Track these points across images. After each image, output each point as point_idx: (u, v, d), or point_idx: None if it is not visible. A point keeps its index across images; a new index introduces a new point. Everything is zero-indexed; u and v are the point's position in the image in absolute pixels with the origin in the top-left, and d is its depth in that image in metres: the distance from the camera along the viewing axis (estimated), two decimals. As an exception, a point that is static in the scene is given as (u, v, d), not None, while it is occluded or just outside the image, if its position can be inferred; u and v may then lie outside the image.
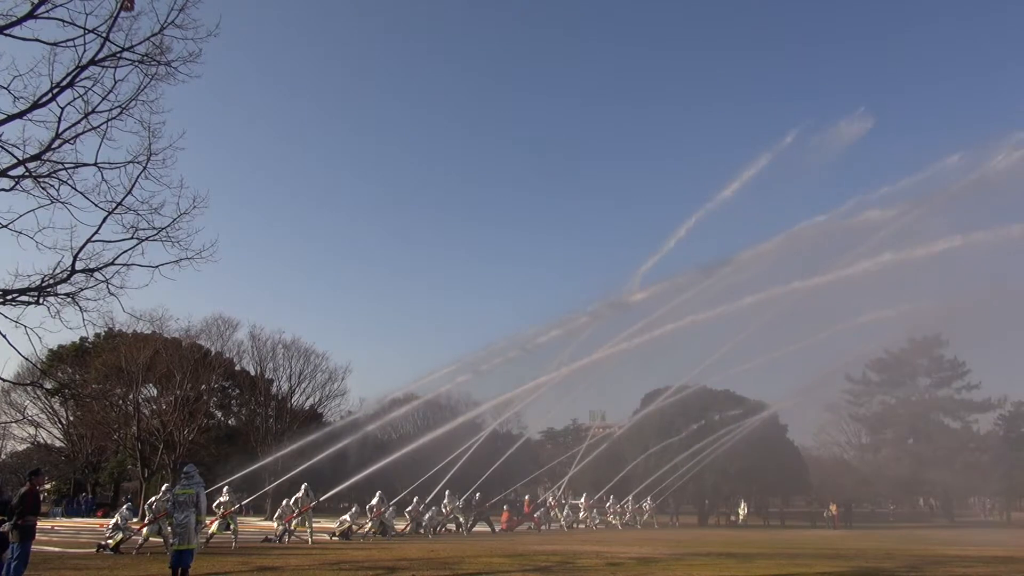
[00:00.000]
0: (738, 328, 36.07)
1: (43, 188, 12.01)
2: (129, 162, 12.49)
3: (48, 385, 51.36)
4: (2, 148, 11.61)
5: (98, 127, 12.25)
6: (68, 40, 11.51)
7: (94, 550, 20.02)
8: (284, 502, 26.38)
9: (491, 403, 38.45)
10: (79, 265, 12.34)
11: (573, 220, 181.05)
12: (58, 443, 58.13)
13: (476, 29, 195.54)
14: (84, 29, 11.50)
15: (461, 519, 33.83)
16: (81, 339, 55.17)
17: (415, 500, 31.41)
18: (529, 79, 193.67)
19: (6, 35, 11.20)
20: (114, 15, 11.61)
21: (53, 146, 11.89)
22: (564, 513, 41.14)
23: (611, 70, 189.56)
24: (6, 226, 11.76)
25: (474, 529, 34.42)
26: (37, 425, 56.89)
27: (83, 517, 46.42)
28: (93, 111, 12.10)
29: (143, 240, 12.81)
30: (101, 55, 11.82)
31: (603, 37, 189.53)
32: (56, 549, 20.40)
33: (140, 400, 49.13)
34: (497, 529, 36.23)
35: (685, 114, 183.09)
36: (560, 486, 45.81)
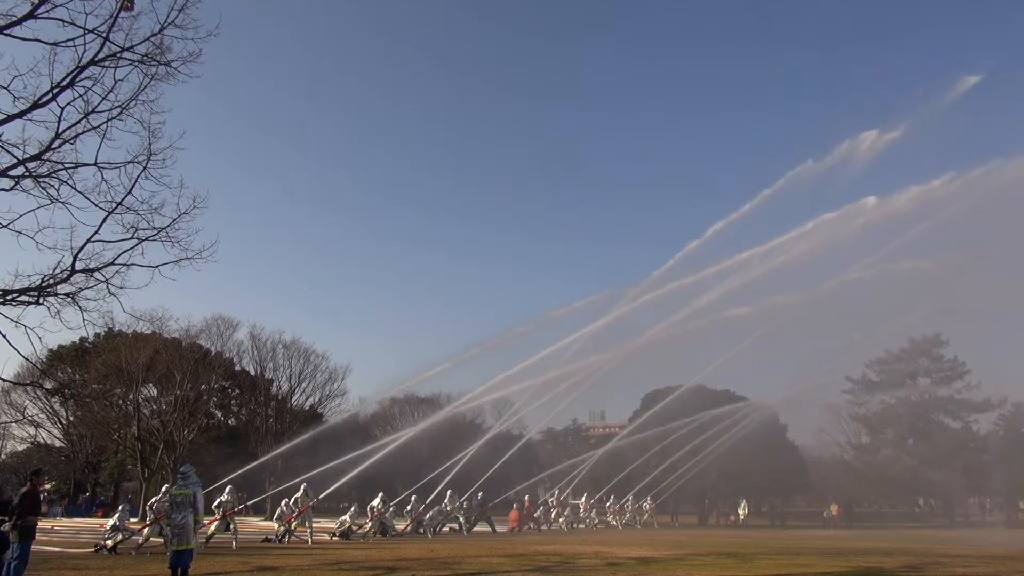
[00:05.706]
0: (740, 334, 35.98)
1: (43, 188, 11.99)
2: (129, 162, 12.48)
3: (48, 385, 51.32)
4: (2, 148, 11.59)
5: (98, 127, 12.23)
6: (68, 40, 11.49)
7: (92, 550, 20.03)
8: (283, 502, 26.34)
9: (486, 388, 38.07)
10: (79, 265, 12.31)
11: (574, 223, 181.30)
12: (58, 443, 58.09)
13: (475, 34, 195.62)
14: (84, 29, 11.48)
15: (461, 519, 33.80)
16: (81, 339, 55.14)
17: (413, 500, 31.39)
18: (527, 83, 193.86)
19: (6, 35, 11.18)
20: (114, 15, 11.59)
21: (53, 146, 11.87)
22: (565, 513, 41.09)
23: (609, 75, 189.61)
24: (6, 226, 11.74)
25: (474, 529, 34.41)
26: (37, 425, 56.90)
27: (83, 517, 46.39)
28: (93, 111, 12.08)
29: (143, 240, 12.80)
30: (101, 55, 11.80)
31: (603, 42, 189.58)
32: (56, 549, 20.41)
33: (140, 400, 49.10)
34: (503, 529, 36.18)
35: (683, 118, 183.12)
36: (568, 487, 45.61)
